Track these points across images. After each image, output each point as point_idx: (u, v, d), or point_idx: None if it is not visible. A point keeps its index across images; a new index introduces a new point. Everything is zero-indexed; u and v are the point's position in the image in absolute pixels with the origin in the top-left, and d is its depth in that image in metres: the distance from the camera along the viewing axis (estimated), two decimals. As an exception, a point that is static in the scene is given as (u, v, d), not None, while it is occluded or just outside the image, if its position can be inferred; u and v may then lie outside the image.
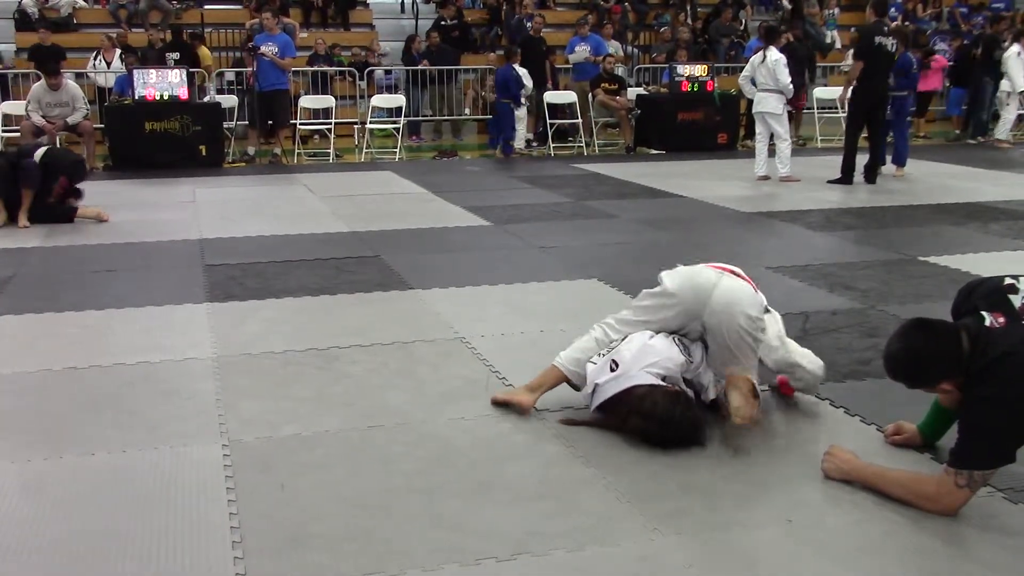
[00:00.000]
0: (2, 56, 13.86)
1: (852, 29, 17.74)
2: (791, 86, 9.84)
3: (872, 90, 9.25)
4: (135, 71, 11.26)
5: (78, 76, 12.27)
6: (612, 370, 3.42)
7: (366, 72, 14.23)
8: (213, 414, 3.64)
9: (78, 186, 7.90)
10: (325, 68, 14.08)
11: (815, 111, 13.39)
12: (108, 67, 13.32)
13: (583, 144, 12.87)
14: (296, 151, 12.23)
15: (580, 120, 13.01)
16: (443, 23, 15.55)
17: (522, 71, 12.31)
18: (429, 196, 9.06)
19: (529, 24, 14.14)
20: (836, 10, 18.23)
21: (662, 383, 3.35)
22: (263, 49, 11.54)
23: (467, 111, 14.61)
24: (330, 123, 12.48)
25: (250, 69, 11.84)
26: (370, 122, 12.71)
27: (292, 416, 3.62)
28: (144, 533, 2.75)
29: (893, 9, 15.71)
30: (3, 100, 12.06)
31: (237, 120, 12.38)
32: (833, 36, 17.36)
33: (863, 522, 2.83)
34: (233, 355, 4.34)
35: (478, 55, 15.51)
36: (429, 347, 4.45)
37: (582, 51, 13.66)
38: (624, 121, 13.03)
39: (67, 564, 2.60)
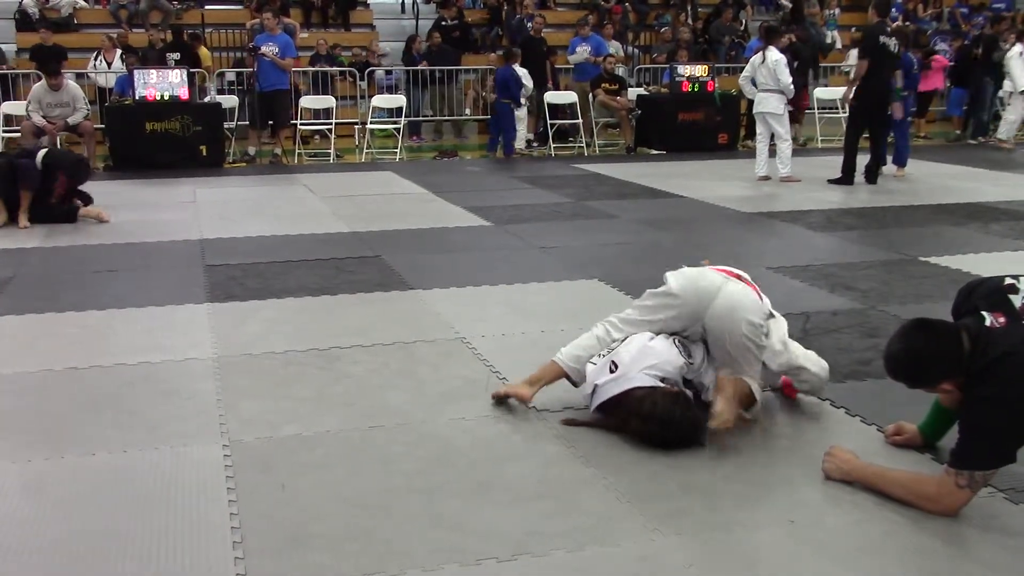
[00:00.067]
0: (6, 56, 13.83)
1: (853, 29, 17.75)
2: (792, 86, 9.83)
3: (875, 90, 9.25)
4: (136, 71, 11.26)
5: (79, 76, 12.28)
6: (612, 371, 3.42)
7: (367, 72, 14.24)
8: (214, 414, 3.64)
9: (85, 190, 7.89)
10: (327, 68, 14.08)
11: (815, 111, 13.38)
12: (109, 67, 13.33)
13: (584, 144, 12.88)
14: (297, 151, 12.24)
15: (581, 120, 13.00)
16: (444, 23, 15.56)
17: (522, 71, 12.31)
18: (430, 196, 9.06)
19: (530, 24, 14.14)
20: (836, 10, 18.22)
21: (661, 384, 3.35)
22: (263, 49, 11.55)
23: (468, 111, 14.62)
24: (331, 123, 12.48)
25: (251, 69, 11.85)
26: (371, 122, 12.71)
27: (292, 416, 3.62)
28: (144, 533, 2.76)
29: (893, 9, 15.69)
30: (4, 100, 12.05)
31: (238, 120, 12.38)
32: (834, 36, 17.34)
33: (863, 522, 2.83)
34: (234, 355, 4.34)
35: (479, 55, 15.51)
36: (430, 347, 4.45)
37: (583, 51, 13.66)
38: (625, 121, 13.03)
39: (67, 564, 2.60)
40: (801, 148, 12.28)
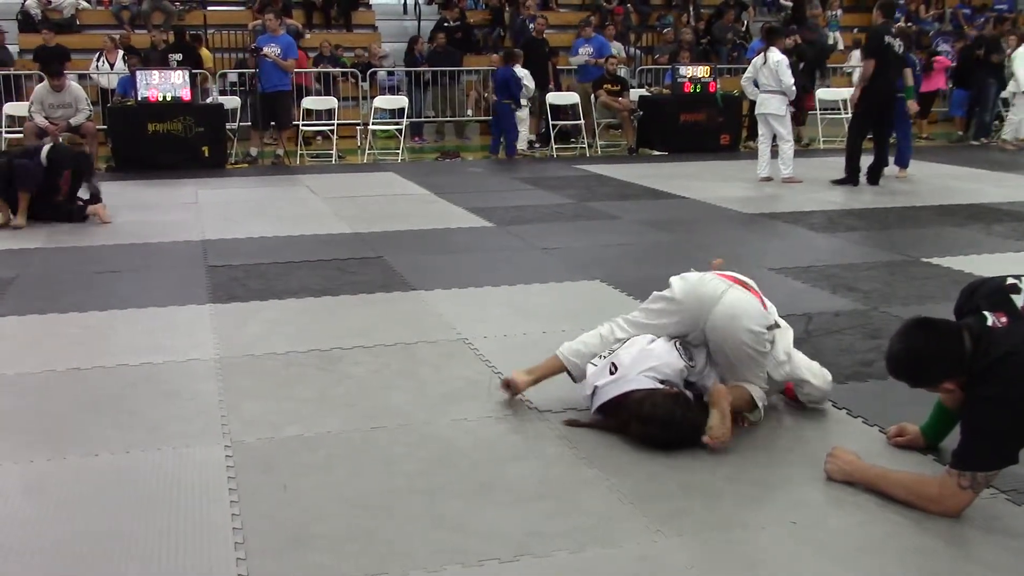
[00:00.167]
0: (13, 57, 13.81)
1: (855, 30, 17.75)
2: (794, 87, 9.83)
3: (880, 90, 9.23)
4: (138, 72, 11.28)
5: (81, 77, 12.30)
6: (611, 373, 3.43)
7: (369, 73, 14.24)
8: (215, 415, 3.64)
9: (92, 188, 7.89)
10: (329, 69, 14.09)
11: (818, 112, 13.37)
12: (111, 68, 13.34)
13: (586, 145, 12.88)
14: (299, 152, 12.24)
15: (583, 121, 13.01)
16: (446, 24, 15.56)
17: (524, 72, 12.31)
18: (431, 197, 9.06)
19: (532, 26, 14.14)
20: (838, 11, 18.22)
21: (661, 386, 3.35)
22: (265, 50, 11.55)
23: (469, 112, 14.62)
24: (333, 124, 12.49)
25: (253, 70, 11.86)
26: (372, 123, 12.72)
27: (294, 417, 3.62)
28: (146, 534, 2.76)
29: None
30: (7, 101, 12.07)
31: (240, 121, 12.39)
32: (835, 37, 17.34)
33: (865, 523, 2.82)
34: (235, 356, 4.34)
35: (481, 56, 15.51)
36: (431, 348, 4.46)
37: (584, 52, 13.66)
38: (626, 122, 13.03)
39: (70, 565, 2.60)
40: (803, 149, 12.28)
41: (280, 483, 3.07)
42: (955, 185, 9.65)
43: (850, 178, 9.54)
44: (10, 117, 11.71)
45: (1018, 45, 12.88)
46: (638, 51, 16.81)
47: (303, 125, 12.59)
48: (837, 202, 8.67)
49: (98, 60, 13.58)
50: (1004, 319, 2.99)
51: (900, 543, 2.72)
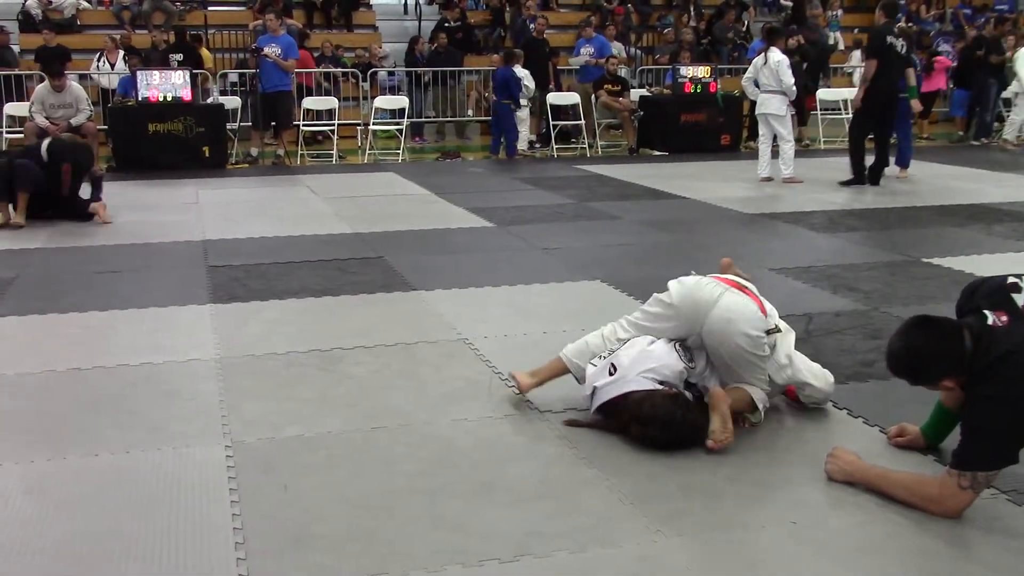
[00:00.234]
0: (17, 58, 13.80)
1: (855, 30, 17.74)
2: (794, 87, 9.83)
3: (882, 90, 9.22)
4: (138, 72, 11.27)
5: (81, 77, 12.29)
6: (611, 374, 3.43)
7: (369, 73, 14.25)
8: (216, 415, 3.64)
9: (94, 176, 7.90)
10: (331, 69, 14.09)
11: (818, 113, 13.37)
12: (112, 68, 13.34)
13: (586, 145, 12.88)
14: (299, 152, 12.25)
15: (583, 122, 13.01)
16: (447, 24, 15.57)
17: (524, 72, 12.31)
18: (432, 197, 9.06)
19: (532, 26, 14.14)
20: (839, 11, 18.22)
21: (660, 387, 3.35)
22: (266, 51, 11.55)
23: (470, 112, 14.62)
24: (333, 124, 12.49)
25: (254, 71, 11.86)
26: (373, 123, 12.72)
27: (295, 417, 3.62)
28: (147, 534, 2.76)
29: (896, 12, 15.69)
30: (8, 101, 12.08)
31: (240, 121, 12.39)
32: (836, 37, 17.34)
33: (866, 524, 2.82)
34: (236, 356, 4.34)
35: (481, 56, 15.52)
36: (432, 348, 4.46)
37: (585, 53, 13.66)
38: (627, 123, 13.03)
39: (70, 565, 2.60)
40: (804, 150, 12.27)
41: (280, 483, 3.07)
42: (956, 185, 9.65)
43: (857, 178, 9.53)
44: (11, 117, 11.71)
45: (1017, 45, 12.87)
46: (639, 51, 16.82)
47: (303, 125, 12.60)
48: (838, 202, 8.67)
49: (99, 60, 13.58)
50: (1005, 318, 3.00)
51: (900, 543, 2.72)
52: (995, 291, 3.13)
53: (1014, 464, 2.77)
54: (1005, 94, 13.53)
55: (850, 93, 11.64)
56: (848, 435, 3.45)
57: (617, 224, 7.66)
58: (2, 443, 3.39)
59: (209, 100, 12.24)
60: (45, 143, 7.73)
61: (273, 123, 11.93)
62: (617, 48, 14.57)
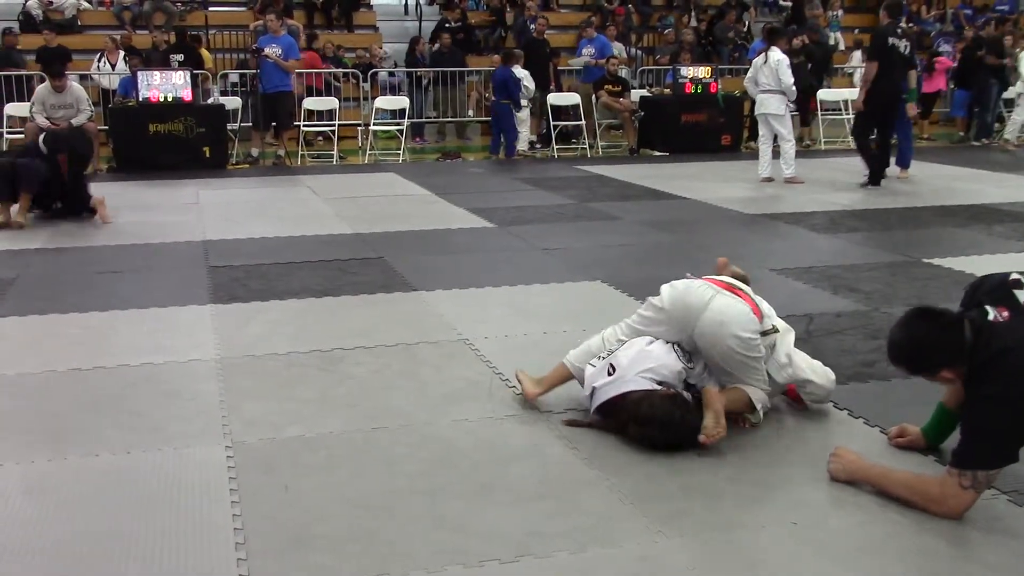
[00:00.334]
0: (24, 59, 13.78)
1: (856, 31, 17.74)
2: (794, 87, 9.82)
3: (884, 91, 9.21)
4: (139, 73, 11.27)
5: (82, 78, 12.29)
6: (609, 374, 3.43)
7: (370, 74, 14.25)
8: (216, 415, 3.64)
9: (86, 183, 7.93)
10: (332, 69, 14.10)
11: (819, 113, 13.37)
12: (112, 69, 13.34)
13: (587, 146, 12.88)
14: (300, 153, 12.25)
15: (584, 122, 13.01)
16: (448, 25, 15.57)
17: (524, 73, 12.31)
18: (432, 198, 9.06)
19: (533, 26, 14.14)
20: (839, 12, 18.21)
21: (658, 387, 3.35)
22: (267, 51, 11.56)
23: (471, 113, 14.62)
24: (334, 125, 12.49)
25: (254, 71, 11.86)
26: (373, 124, 12.72)
27: (295, 417, 3.62)
28: (147, 534, 2.76)
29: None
30: (9, 102, 12.08)
31: (241, 122, 12.39)
32: (836, 38, 17.33)
33: (866, 523, 2.82)
34: (236, 356, 4.34)
35: (482, 57, 15.52)
36: (432, 349, 4.46)
37: (586, 53, 13.67)
38: (628, 123, 13.03)
39: (70, 565, 2.60)
40: (804, 150, 12.27)
41: (281, 483, 3.07)
42: (956, 186, 9.65)
43: (874, 177, 9.48)
44: (11, 118, 11.72)
45: (1017, 45, 12.87)
46: (639, 52, 16.82)
47: (304, 126, 12.60)
48: (838, 203, 8.66)
49: (99, 61, 13.57)
50: (1006, 313, 3.00)
51: (901, 543, 2.72)
52: (997, 287, 3.14)
53: (1014, 463, 2.77)
54: (1007, 94, 13.52)
55: (851, 94, 11.64)
56: (849, 435, 3.45)
57: (617, 224, 7.66)
58: (2, 443, 3.39)
59: (210, 100, 12.24)
60: (42, 136, 7.75)
61: (274, 123, 11.93)
62: (618, 48, 14.57)
